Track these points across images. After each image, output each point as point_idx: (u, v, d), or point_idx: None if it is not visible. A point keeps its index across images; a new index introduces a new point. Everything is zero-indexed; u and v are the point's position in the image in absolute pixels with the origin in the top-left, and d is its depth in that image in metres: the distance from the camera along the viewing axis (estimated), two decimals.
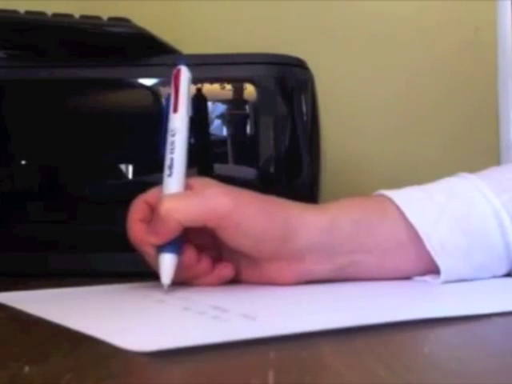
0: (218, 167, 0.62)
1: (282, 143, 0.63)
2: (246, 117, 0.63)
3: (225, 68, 0.63)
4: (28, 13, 0.60)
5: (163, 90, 0.63)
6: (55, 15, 0.60)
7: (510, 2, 0.88)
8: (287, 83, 0.64)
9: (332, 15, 0.95)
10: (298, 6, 0.94)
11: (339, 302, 0.46)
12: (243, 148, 0.63)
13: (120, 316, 0.42)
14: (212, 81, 0.63)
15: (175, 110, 0.52)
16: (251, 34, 0.94)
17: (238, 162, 0.63)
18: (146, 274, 0.51)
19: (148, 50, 0.63)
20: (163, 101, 0.63)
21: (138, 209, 0.51)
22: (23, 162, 0.64)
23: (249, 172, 0.62)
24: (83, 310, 0.44)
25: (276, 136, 0.62)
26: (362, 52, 0.95)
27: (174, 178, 0.50)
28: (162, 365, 0.31)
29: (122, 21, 0.60)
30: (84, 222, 0.63)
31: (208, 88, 0.63)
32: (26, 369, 0.30)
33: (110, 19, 0.60)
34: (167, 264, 0.48)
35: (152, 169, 0.61)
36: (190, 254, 0.50)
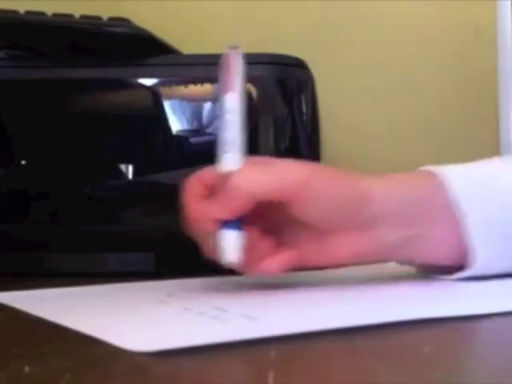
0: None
1: (282, 143, 0.63)
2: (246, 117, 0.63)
3: None
4: (28, 13, 0.60)
5: (163, 90, 0.63)
6: (55, 15, 0.60)
7: (509, 2, 0.88)
8: (287, 83, 0.64)
9: (332, 15, 0.95)
10: (299, 5, 0.94)
11: (339, 302, 0.46)
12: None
13: (120, 316, 0.42)
14: (212, 81, 0.63)
15: (230, 90, 0.49)
16: (251, 34, 0.94)
17: None
18: (147, 274, 0.51)
19: (148, 50, 0.63)
20: (163, 101, 0.63)
21: (195, 187, 0.47)
22: (23, 162, 0.64)
23: None
24: (83, 310, 0.44)
25: (276, 136, 0.62)
26: (361, 52, 0.95)
27: (233, 154, 0.47)
28: (162, 365, 0.31)
29: (122, 21, 0.60)
30: (84, 221, 0.63)
31: (208, 88, 0.62)
32: (26, 369, 0.30)
33: (110, 19, 0.60)
34: (234, 241, 0.45)
35: (152, 169, 0.61)
36: (253, 232, 0.47)
